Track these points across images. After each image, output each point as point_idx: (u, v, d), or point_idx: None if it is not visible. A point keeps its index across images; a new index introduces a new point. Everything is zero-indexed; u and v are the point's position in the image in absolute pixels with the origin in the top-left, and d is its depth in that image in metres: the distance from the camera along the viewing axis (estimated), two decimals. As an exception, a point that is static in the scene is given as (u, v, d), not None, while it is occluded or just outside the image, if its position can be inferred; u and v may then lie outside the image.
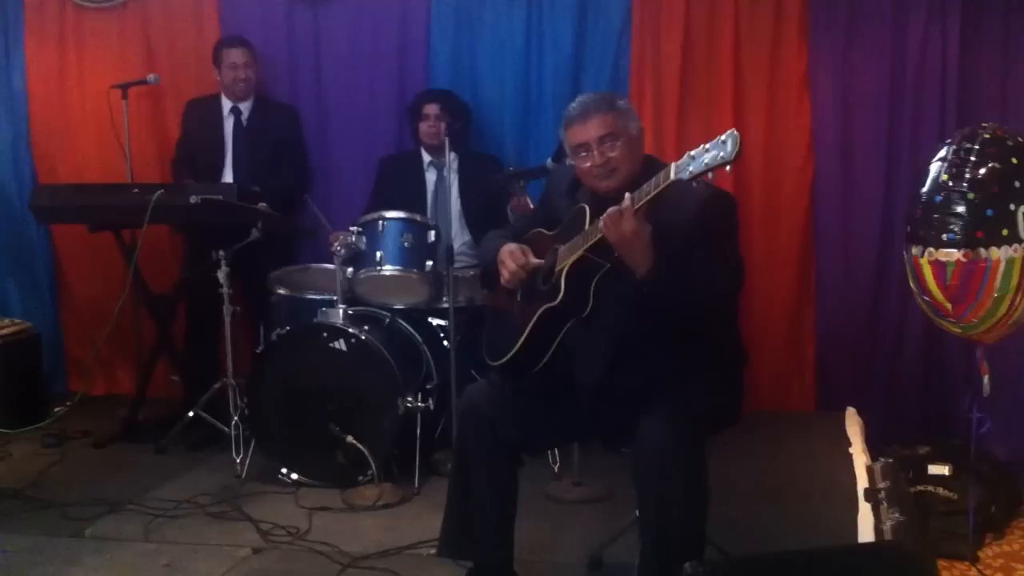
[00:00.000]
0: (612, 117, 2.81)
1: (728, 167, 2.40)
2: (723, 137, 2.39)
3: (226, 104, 4.95)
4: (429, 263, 4.15)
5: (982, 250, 3.10)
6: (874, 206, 4.64)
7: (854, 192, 4.67)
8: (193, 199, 4.30)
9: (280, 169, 4.91)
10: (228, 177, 4.89)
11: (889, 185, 4.60)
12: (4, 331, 4.93)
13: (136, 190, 4.46)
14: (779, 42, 4.63)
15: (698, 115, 4.74)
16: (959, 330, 3.30)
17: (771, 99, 4.68)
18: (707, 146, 2.42)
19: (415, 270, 4.15)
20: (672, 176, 2.47)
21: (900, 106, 4.56)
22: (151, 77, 5.01)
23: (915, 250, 3.27)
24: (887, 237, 4.62)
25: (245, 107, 4.96)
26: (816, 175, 4.69)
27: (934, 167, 3.27)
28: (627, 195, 2.60)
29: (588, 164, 2.82)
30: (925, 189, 3.26)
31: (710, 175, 2.43)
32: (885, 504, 3.00)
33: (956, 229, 3.13)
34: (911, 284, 3.37)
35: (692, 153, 2.44)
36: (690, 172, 2.43)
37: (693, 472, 2.67)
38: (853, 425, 3.88)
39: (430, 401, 4.09)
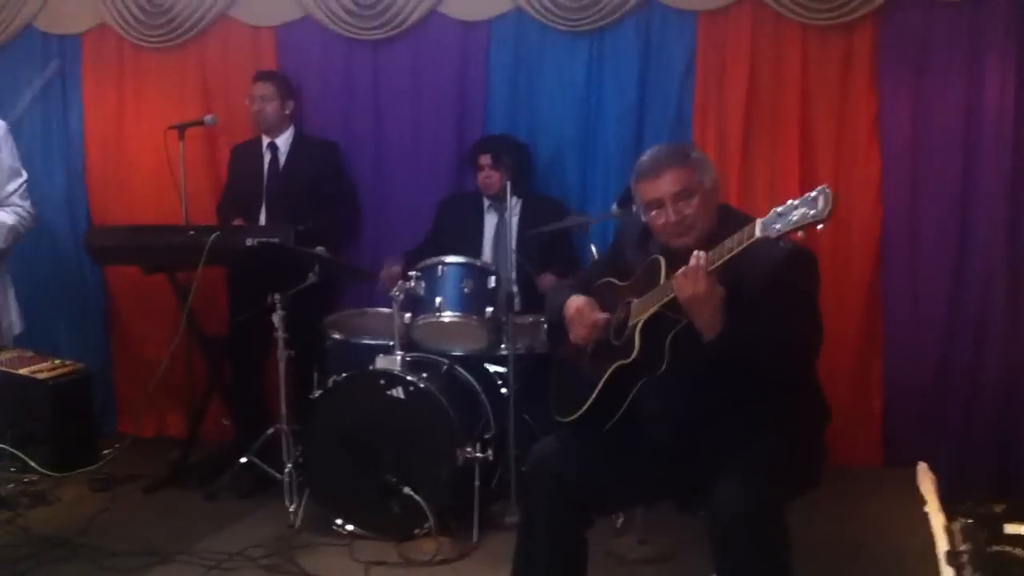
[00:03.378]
0: (687, 172, 2.67)
1: (820, 226, 2.25)
2: (813, 193, 2.25)
3: (264, 141, 4.94)
4: (489, 309, 4.06)
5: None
6: (945, 255, 4.49)
7: (924, 241, 4.53)
8: (250, 242, 4.25)
9: (321, 206, 4.83)
10: (262, 215, 4.85)
11: (962, 234, 4.45)
12: (56, 371, 4.86)
13: (192, 232, 4.42)
14: (848, 87, 4.50)
15: (762, 162, 4.61)
16: None
17: (839, 146, 4.54)
18: (795, 202, 2.28)
19: (475, 316, 4.06)
20: (757, 234, 2.34)
21: (972, 154, 4.41)
22: (208, 118, 4.97)
23: None
24: (959, 287, 4.47)
25: (282, 143, 4.93)
26: (885, 223, 4.55)
27: None
28: (699, 253, 2.46)
29: (662, 221, 2.70)
30: None
31: (800, 234, 2.29)
32: (969, 568, 2.87)
33: None
34: None
35: (779, 210, 2.30)
36: (777, 230, 2.30)
37: (774, 537, 2.54)
38: (926, 482, 3.72)
39: (488, 451, 3.97)
